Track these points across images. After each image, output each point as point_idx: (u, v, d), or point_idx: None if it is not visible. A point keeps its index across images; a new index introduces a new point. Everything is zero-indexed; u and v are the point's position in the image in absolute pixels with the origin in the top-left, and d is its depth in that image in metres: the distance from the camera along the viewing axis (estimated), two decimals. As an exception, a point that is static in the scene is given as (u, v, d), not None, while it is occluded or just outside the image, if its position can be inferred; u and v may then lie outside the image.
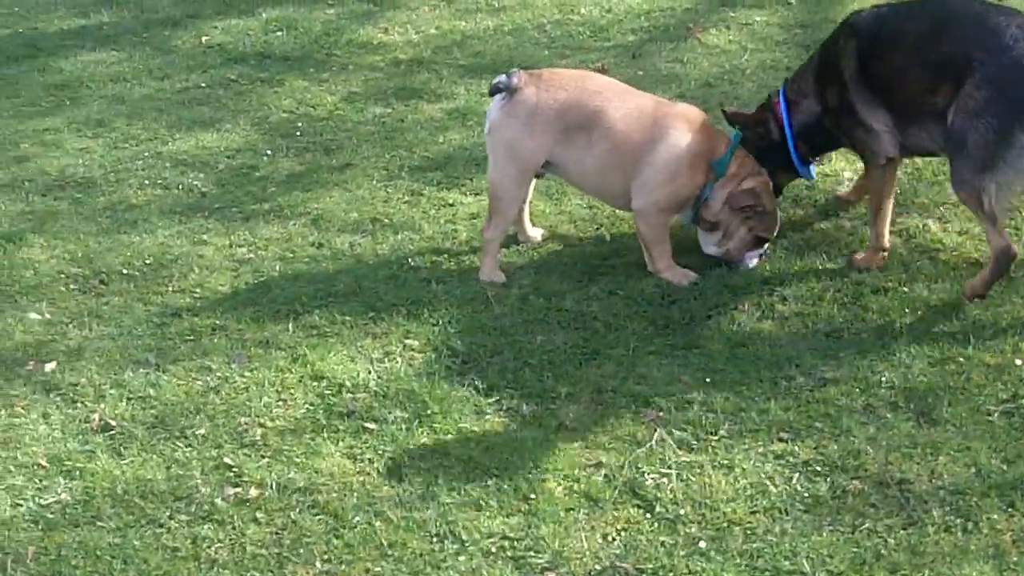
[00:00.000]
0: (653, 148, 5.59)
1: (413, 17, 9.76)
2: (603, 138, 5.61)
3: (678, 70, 8.21)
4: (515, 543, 4.28)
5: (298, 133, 7.76)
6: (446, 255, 6.07)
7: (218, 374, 5.26)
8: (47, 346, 5.56)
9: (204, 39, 9.66)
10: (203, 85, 8.75)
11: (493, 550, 4.24)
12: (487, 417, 4.91)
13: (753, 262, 5.76)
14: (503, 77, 5.63)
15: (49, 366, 5.40)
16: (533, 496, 4.45)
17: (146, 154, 7.66)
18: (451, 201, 6.68)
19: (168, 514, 4.46)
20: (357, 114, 7.98)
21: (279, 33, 9.66)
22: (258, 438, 4.85)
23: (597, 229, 6.28)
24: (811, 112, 5.60)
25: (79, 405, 5.14)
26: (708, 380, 5.01)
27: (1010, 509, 4.25)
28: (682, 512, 4.35)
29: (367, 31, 9.54)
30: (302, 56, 9.14)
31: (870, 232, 5.58)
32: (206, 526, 4.40)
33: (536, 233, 6.10)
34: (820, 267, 5.73)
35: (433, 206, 6.65)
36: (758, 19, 9.00)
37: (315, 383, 5.14)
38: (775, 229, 5.80)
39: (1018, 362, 4.94)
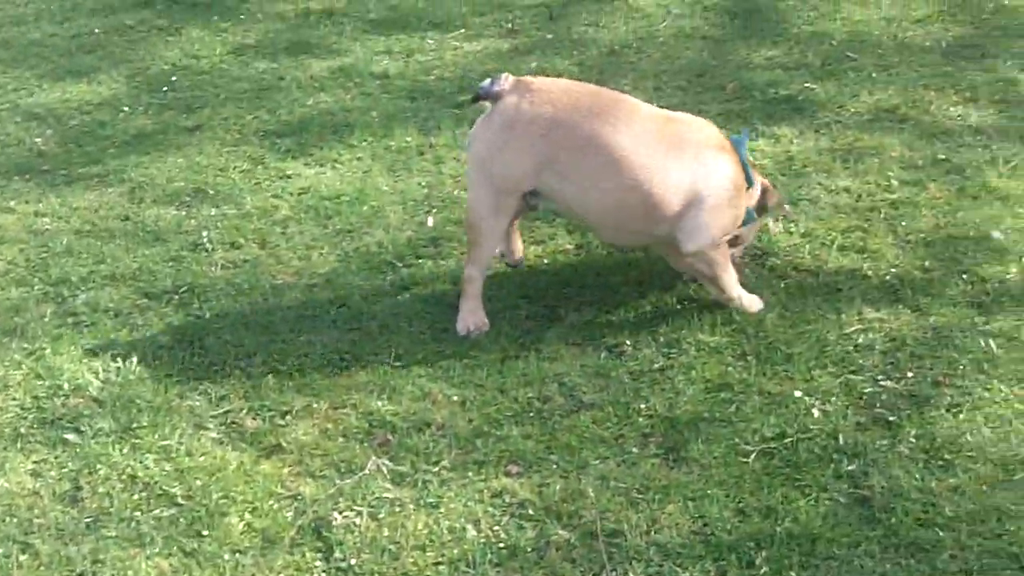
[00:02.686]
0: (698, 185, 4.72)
1: (343, -36, 9.20)
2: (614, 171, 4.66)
3: (591, 34, 7.65)
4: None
5: (166, 89, 7.33)
6: (250, 235, 5.59)
7: (-53, 365, 4.80)
8: None
9: (122, -20, 9.18)
10: (98, 31, 8.37)
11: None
12: (204, 432, 4.44)
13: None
14: (486, 82, 4.74)
15: None
16: (206, 533, 3.96)
17: (5, 106, 7.24)
18: (289, 172, 6.22)
19: None
20: (240, 69, 7.52)
21: (203, -24, 9.14)
22: (-46, 444, 4.39)
23: (427, 212, 5.71)
24: None
25: None
26: (457, 398, 4.46)
27: (719, 577, 3.63)
28: (357, 561, 3.81)
29: (293, -23, 9.00)
30: (212, 2, 8.78)
31: None
32: None
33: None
34: (621, 273, 5.17)
35: (268, 177, 6.20)
36: (696, -22, 8.33)
37: (39, 382, 4.74)
38: None
39: (798, 393, 4.36)
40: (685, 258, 4.77)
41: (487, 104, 4.75)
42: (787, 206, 5.14)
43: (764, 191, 4.96)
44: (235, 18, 8.39)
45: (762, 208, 4.96)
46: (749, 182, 4.82)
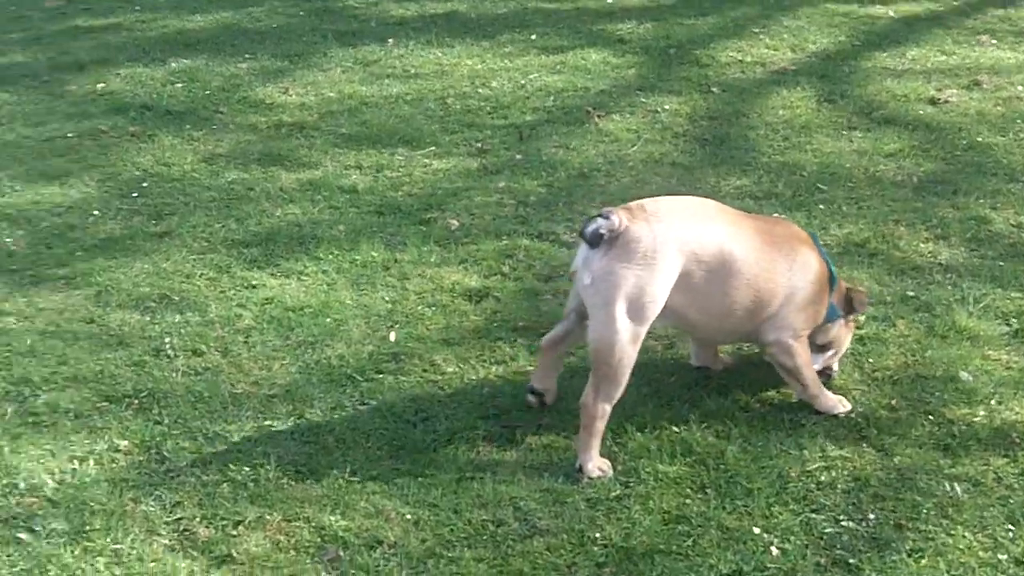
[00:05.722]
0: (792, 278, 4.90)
1: (320, 78, 9.36)
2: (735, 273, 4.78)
3: (560, 156, 7.71)
4: None
5: (136, 194, 7.32)
6: (212, 343, 5.55)
7: None
8: None
9: (100, 86, 9.32)
10: (71, 135, 8.35)
11: None
12: (156, 539, 4.40)
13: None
14: (601, 221, 4.58)
15: None
16: (151, 643, 3.86)
17: (-25, 206, 7.20)
18: (254, 282, 6.20)
19: None
20: (210, 178, 7.53)
21: (178, 85, 9.29)
22: (-99, 543, 4.31)
23: (390, 327, 5.70)
24: None
25: None
26: (411, 517, 4.42)
27: None
28: None
29: (266, 90, 9.14)
30: (186, 111, 8.74)
31: None
32: None
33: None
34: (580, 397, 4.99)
35: (233, 286, 6.18)
36: (667, 107, 8.50)
37: (-5, 482, 4.61)
38: None
39: (756, 530, 4.34)
40: (767, 349, 4.90)
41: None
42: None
43: (849, 291, 5.10)
44: (207, 127, 8.44)
45: (848, 309, 5.08)
46: (833, 279, 4.97)
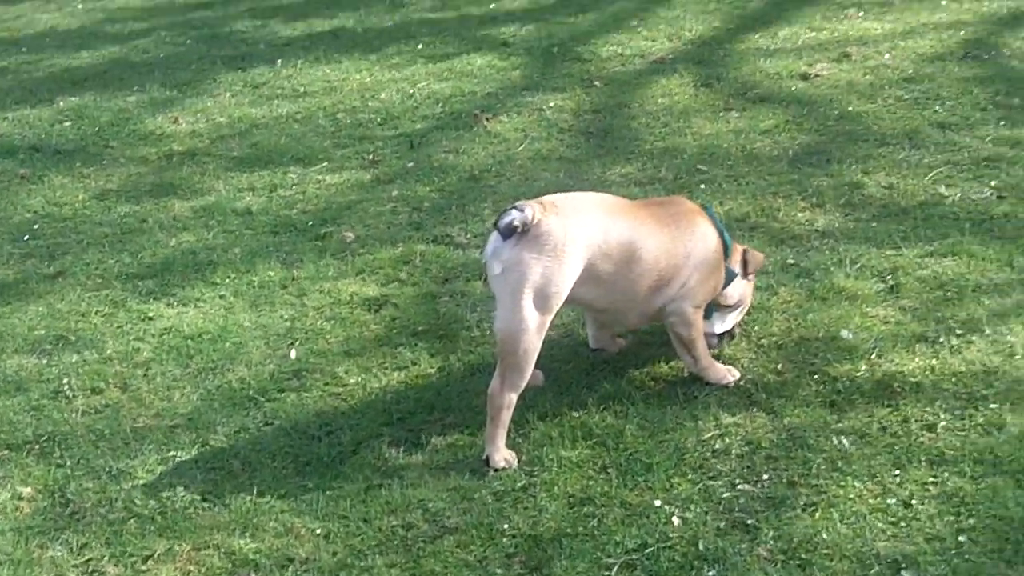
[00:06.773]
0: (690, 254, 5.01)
1: (210, 104, 9.36)
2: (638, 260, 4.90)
3: (451, 161, 7.76)
4: None
5: (27, 237, 7.29)
6: (111, 380, 5.54)
7: None
8: None
9: (-13, 131, 9.17)
10: (-42, 184, 8.21)
11: None
12: (65, 581, 4.31)
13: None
14: (515, 213, 4.62)
15: None
16: None
17: None
18: (151, 314, 6.19)
19: None
20: (102, 214, 7.51)
21: (67, 123, 9.26)
22: None
23: (290, 344, 5.71)
24: None
25: None
26: (321, 531, 4.44)
27: None
28: None
29: (155, 121, 9.13)
30: (75, 149, 8.71)
31: None
32: None
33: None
34: (482, 394, 5.05)
35: (130, 319, 6.15)
36: (552, 104, 8.58)
37: None
38: None
39: (658, 503, 4.42)
40: (667, 318, 5.02)
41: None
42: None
43: (745, 252, 5.25)
44: (98, 163, 8.43)
45: (746, 269, 5.24)
46: (727, 245, 5.12)
